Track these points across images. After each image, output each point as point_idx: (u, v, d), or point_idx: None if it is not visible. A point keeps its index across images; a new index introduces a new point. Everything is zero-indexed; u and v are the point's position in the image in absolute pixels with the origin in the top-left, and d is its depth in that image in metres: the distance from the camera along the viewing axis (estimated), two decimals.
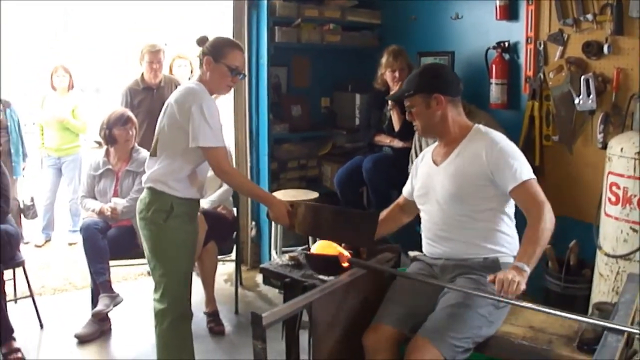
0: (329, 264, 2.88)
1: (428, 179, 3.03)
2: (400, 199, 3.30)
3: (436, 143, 3.11)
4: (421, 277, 2.81)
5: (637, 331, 2.09)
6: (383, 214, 3.27)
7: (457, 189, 2.86)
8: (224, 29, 5.38)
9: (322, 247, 2.98)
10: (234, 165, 5.02)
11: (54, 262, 6.00)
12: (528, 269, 2.45)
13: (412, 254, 3.28)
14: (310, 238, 4.36)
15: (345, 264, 2.85)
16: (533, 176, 2.76)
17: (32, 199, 5.05)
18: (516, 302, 2.44)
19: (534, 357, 2.49)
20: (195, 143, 3.11)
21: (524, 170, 2.76)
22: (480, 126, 3.00)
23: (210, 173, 4.43)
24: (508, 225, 2.89)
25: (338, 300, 2.69)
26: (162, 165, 3.24)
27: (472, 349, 2.58)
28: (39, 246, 6.46)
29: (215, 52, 3.27)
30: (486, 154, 2.80)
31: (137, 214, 3.34)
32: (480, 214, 2.83)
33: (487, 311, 2.62)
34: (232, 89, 4.85)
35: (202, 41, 3.33)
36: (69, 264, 5.97)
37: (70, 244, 6.61)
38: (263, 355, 2.26)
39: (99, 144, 6.81)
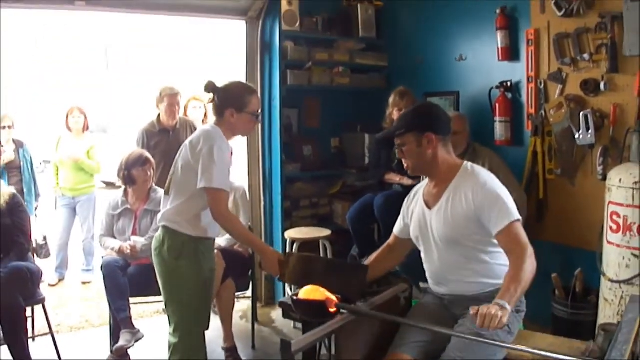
0: (316, 310, 2.78)
1: (422, 221, 3.02)
2: (391, 239, 3.27)
3: (426, 181, 3.11)
4: (422, 325, 2.67)
5: None
6: (372, 257, 3.25)
7: (451, 233, 2.87)
8: (237, 71, 5.54)
9: (308, 291, 2.84)
10: (249, 206, 5.12)
11: (69, 301, 6.03)
12: (509, 307, 2.40)
13: (423, 285, 3.31)
14: None
15: (333, 309, 2.74)
16: (517, 217, 2.73)
17: (44, 238, 5.04)
18: (512, 346, 2.53)
19: None
20: (201, 184, 3.20)
21: (507, 213, 2.73)
22: (469, 165, 2.97)
23: None
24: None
25: (359, 327, 2.75)
26: (175, 205, 3.33)
27: None
28: (53, 285, 6.49)
29: (238, 102, 3.37)
30: (473, 196, 2.79)
31: (153, 251, 3.44)
32: (478, 253, 2.84)
33: (500, 338, 2.68)
34: None
35: (209, 87, 3.41)
36: (83, 302, 6.03)
37: (83, 283, 6.65)
38: None
39: (107, 184, 6.94)
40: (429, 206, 2.98)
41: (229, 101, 3.37)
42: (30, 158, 6.24)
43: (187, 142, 3.39)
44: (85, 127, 6.62)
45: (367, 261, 3.21)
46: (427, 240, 3.00)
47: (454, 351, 2.63)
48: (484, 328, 2.33)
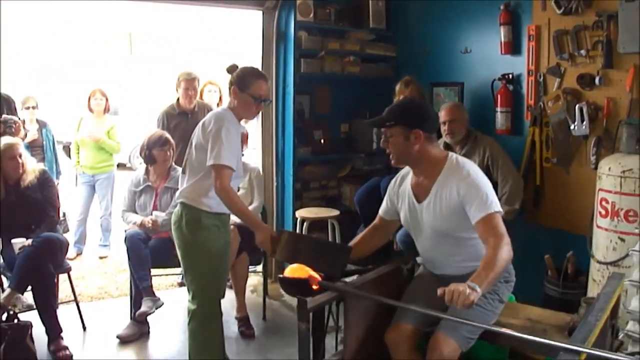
0: (300, 287, 2.88)
1: (413, 213, 3.11)
2: (376, 220, 3.35)
3: (410, 171, 3.17)
4: (414, 306, 2.76)
5: (588, 351, 2.21)
6: (357, 237, 3.35)
7: (442, 226, 2.97)
8: (253, 59, 5.70)
9: (293, 270, 2.97)
10: (263, 186, 5.29)
11: (87, 274, 6.26)
12: (479, 290, 2.48)
13: (420, 260, 3.42)
14: None
15: (316, 287, 2.85)
16: (497, 209, 2.82)
17: (64, 214, 5.24)
18: (506, 331, 2.67)
19: (529, 343, 2.68)
20: (209, 162, 3.36)
21: (486, 205, 2.81)
22: (454, 157, 3.05)
23: (242, 192, 4.83)
24: None
25: (367, 291, 2.97)
26: (190, 183, 3.53)
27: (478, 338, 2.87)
28: (71, 259, 6.55)
29: (241, 82, 3.52)
30: (457, 188, 2.88)
31: (172, 225, 3.65)
32: (468, 240, 2.95)
33: (493, 307, 2.95)
34: (260, 114, 5.25)
35: (232, 69, 3.60)
36: (101, 275, 6.27)
37: (100, 258, 6.86)
38: (307, 334, 2.66)
39: (118, 165, 7.16)
40: (418, 200, 3.07)
41: (235, 79, 3.54)
42: (53, 137, 6.44)
43: (200, 123, 3.57)
44: (107, 109, 6.82)
45: (353, 241, 3.32)
46: (418, 232, 3.13)
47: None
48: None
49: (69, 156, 7.13)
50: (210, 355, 3.68)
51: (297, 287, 2.90)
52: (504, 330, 2.70)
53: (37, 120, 6.34)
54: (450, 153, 3.08)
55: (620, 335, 3.54)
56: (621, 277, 2.97)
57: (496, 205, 2.84)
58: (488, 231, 2.75)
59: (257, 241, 3.40)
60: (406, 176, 3.22)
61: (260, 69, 5.59)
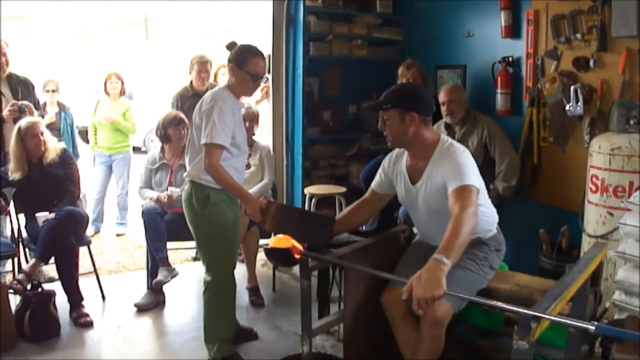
0: (284, 257, 2.99)
1: (408, 193, 3.23)
2: (367, 194, 3.46)
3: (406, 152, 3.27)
4: (396, 277, 2.90)
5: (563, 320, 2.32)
6: (345, 210, 3.48)
7: (435, 205, 3.08)
8: (264, 43, 5.83)
9: (278, 240, 3.04)
10: (273, 164, 5.47)
11: (105, 250, 6.49)
12: (448, 262, 2.56)
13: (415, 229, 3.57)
14: None
15: (297, 256, 2.96)
16: (468, 182, 2.89)
17: (83, 195, 5.34)
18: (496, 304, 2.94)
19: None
20: (202, 141, 3.46)
21: (460, 177, 2.90)
22: (444, 139, 3.16)
23: (253, 169, 5.02)
24: (484, 207, 3.08)
25: (364, 257, 3.14)
26: (195, 162, 3.64)
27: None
28: (90, 237, 6.90)
29: (239, 59, 3.58)
30: (441, 168, 3.01)
31: (183, 202, 3.80)
32: None
33: (483, 272, 3.13)
34: (271, 96, 5.44)
35: (231, 46, 3.64)
36: (119, 251, 6.51)
37: (117, 235, 7.10)
38: (308, 289, 2.90)
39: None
40: (413, 181, 3.19)
41: (233, 57, 3.60)
42: (72, 120, 6.63)
43: (198, 104, 3.64)
44: (122, 92, 7.00)
45: (341, 214, 3.47)
46: (415, 210, 3.28)
47: None
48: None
49: (86, 141, 7.30)
50: (224, 322, 3.87)
51: (281, 256, 3.05)
52: (481, 299, 2.88)
53: (58, 103, 6.53)
54: (442, 136, 3.19)
55: (607, 304, 3.76)
56: (603, 246, 3.13)
57: (470, 180, 2.92)
58: (456, 200, 2.85)
59: (247, 212, 3.52)
60: (401, 156, 3.33)
61: (271, 52, 5.81)
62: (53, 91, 6.49)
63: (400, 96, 3.14)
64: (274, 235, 3.22)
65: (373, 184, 3.46)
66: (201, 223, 3.73)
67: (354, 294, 3.19)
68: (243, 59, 3.59)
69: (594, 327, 2.07)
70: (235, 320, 4.15)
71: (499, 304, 2.40)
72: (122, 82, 6.99)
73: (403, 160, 3.30)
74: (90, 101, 7.30)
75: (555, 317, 2.22)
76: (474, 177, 2.98)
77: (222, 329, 3.87)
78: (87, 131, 7.17)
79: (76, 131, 6.85)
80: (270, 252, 3.12)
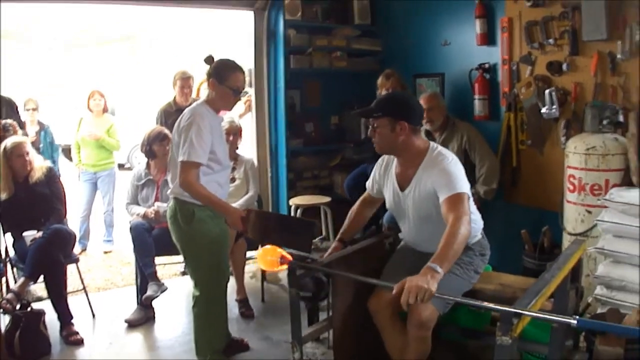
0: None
1: (397, 200, 3.29)
2: (366, 195, 3.58)
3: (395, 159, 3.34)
4: (383, 283, 2.99)
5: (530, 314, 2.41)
6: (350, 216, 3.57)
7: (423, 212, 3.16)
8: (246, 57, 5.94)
9: (266, 252, 3.11)
10: (258, 176, 5.46)
11: (93, 268, 6.45)
12: (441, 271, 2.63)
13: (402, 235, 3.59)
14: None
15: (286, 266, 3.02)
16: (461, 190, 2.96)
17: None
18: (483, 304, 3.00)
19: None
20: (179, 158, 3.50)
21: (452, 186, 2.96)
22: (434, 146, 3.21)
23: (238, 182, 5.07)
24: (472, 214, 3.08)
25: (350, 264, 3.22)
26: (176, 180, 3.61)
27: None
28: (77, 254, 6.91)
29: (219, 75, 3.59)
30: (431, 176, 3.07)
31: (168, 219, 3.82)
32: (443, 223, 2.97)
33: (468, 276, 3.21)
34: (254, 109, 5.50)
35: (209, 60, 3.66)
36: (106, 268, 6.48)
37: (105, 252, 7.05)
38: (297, 297, 2.96)
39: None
40: (402, 188, 3.25)
41: (213, 72, 3.62)
42: (52, 139, 6.61)
43: (177, 120, 3.66)
44: (105, 109, 6.98)
45: (348, 220, 3.56)
46: (402, 216, 3.34)
47: None
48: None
49: (68, 158, 7.29)
50: (214, 335, 3.91)
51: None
52: (464, 300, 2.97)
53: (38, 122, 6.52)
54: (432, 144, 3.24)
55: (589, 299, 3.86)
56: (581, 243, 3.22)
57: (462, 188, 2.99)
58: (450, 208, 2.91)
59: (228, 223, 3.60)
60: (391, 163, 3.38)
61: (252, 65, 5.88)
62: (33, 110, 6.47)
63: (391, 105, 3.20)
64: (261, 246, 3.26)
65: (367, 187, 3.57)
66: (187, 239, 3.77)
67: (341, 301, 3.25)
68: (223, 74, 3.62)
69: (576, 321, 2.17)
70: (227, 332, 4.19)
71: (481, 303, 2.51)
72: (105, 99, 6.97)
73: (392, 166, 3.36)
74: (73, 119, 7.26)
75: (536, 312, 2.31)
76: (464, 184, 3.05)
77: (212, 342, 3.91)
78: (70, 149, 7.16)
79: (59, 149, 6.84)
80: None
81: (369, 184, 3.57)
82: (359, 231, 3.74)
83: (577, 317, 2.18)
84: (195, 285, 3.83)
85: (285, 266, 3.02)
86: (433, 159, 3.15)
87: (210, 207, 3.63)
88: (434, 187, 3.05)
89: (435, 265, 2.65)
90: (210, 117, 3.62)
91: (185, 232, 3.72)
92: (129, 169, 12.09)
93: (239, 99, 3.88)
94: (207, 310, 3.84)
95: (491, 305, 2.40)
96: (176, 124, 3.67)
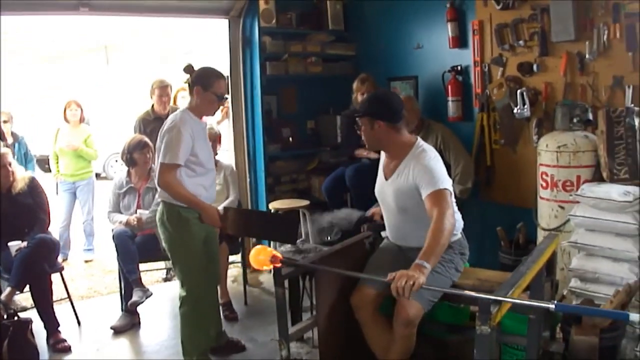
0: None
1: (381, 189, 3.47)
2: None
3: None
4: (369, 276, 3.18)
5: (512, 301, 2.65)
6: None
7: (401, 202, 3.31)
8: (222, 65, 5.92)
9: (258, 251, 3.13)
10: (237, 181, 5.56)
11: (75, 277, 6.49)
12: (428, 266, 2.76)
13: (384, 234, 3.74)
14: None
15: (278, 265, 3.08)
16: (443, 186, 3.09)
17: None
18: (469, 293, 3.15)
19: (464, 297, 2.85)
20: (157, 160, 3.71)
21: (434, 182, 3.09)
22: (420, 143, 3.36)
23: (218, 188, 5.14)
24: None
25: (333, 262, 3.27)
26: None
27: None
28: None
29: (204, 82, 3.76)
30: (413, 171, 3.20)
31: (157, 222, 3.97)
32: (423, 217, 3.14)
33: (450, 274, 3.30)
34: (231, 116, 5.57)
35: (188, 69, 3.82)
36: (88, 277, 6.53)
37: (86, 261, 7.11)
38: (283, 296, 3.05)
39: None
40: (386, 177, 3.43)
41: (197, 80, 3.77)
42: (26, 151, 6.57)
43: (161, 128, 3.82)
44: (82, 119, 7.02)
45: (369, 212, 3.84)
46: (385, 206, 3.49)
47: None
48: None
49: (44, 169, 7.27)
50: (201, 335, 4.00)
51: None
52: (451, 290, 3.14)
53: (12, 134, 6.50)
54: (419, 140, 3.39)
55: (565, 292, 3.99)
56: (554, 237, 3.35)
57: (444, 184, 3.12)
58: (434, 204, 3.04)
59: (203, 219, 3.75)
60: (383, 157, 3.57)
61: (229, 73, 5.95)
62: (5, 122, 6.41)
63: (370, 105, 3.39)
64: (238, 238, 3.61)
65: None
66: (173, 240, 3.88)
67: (325, 298, 3.34)
68: (208, 81, 3.78)
69: (553, 306, 2.29)
70: (222, 332, 4.38)
71: (464, 292, 2.65)
72: (82, 110, 7.01)
73: (382, 159, 3.55)
74: (47, 130, 7.30)
75: (516, 299, 2.44)
76: (446, 181, 3.18)
77: (199, 342, 3.99)
78: (46, 159, 7.16)
79: (34, 159, 6.79)
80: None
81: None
82: None
83: (555, 302, 2.30)
84: (182, 285, 3.95)
85: (278, 264, 3.09)
86: (417, 155, 3.27)
87: (194, 210, 3.77)
88: (416, 183, 3.19)
89: (422, 262, 2.77)
90: (192, 122, 3.76)
91: (172, 233, 3.85)
92: (105, 178, 12.11)
93: (222, 104, 4.09)
94: (193, 310, 3.94)
95: (473, 293, 2.50)
96: (160, 131, 3.80)
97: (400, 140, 3.35)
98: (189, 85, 3.87)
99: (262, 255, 3.08)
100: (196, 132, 3.77)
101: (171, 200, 3.78)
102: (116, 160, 13.25)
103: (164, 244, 3.99)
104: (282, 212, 5.44)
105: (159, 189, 3.88)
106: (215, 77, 3.82)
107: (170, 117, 3.82)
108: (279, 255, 3.09)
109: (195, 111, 3.83)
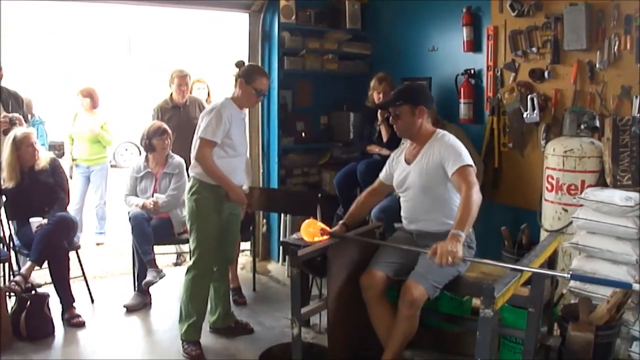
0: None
1: (403, 174, 3.65)
2: (376, 184, 3.90)
3: (407, 144, 3.76)
4: (394, 243, 3.59)
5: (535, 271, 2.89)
6: (358, 202, 3.87)
7: (425, 181, 3.51)
8: (240, 58, 6.04)
9: (308, 224, 3.56)
10: (251, 172, 5.67)
11: (87, 259, 6.38)
12: (462, 234, 2.99)
13: (397, 225, 3.98)
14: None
15: (326, 237, 3.49)
16: (468, 162, 3.35)
17: None
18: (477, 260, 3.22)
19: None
20: (197, 135, 4.02)
21: (460, 159, 3.36)
22: (440, 131, 3.64)
23: None
24: None
25: (345, 248, 3.52)
26: (194, 161, 4.11)
27: (442, 288, 3.38)
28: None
29: (248, 76, 4.11)
30: (439, 150, 3.47)
31: (186, 194, 4.28)
32: (446, 200, 3.50)
33: (457, 264, 3.37)
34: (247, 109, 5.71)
35: (239, 64, 4.19)
36: (100, 258, 6.70)
37: (97, 244, 7.27)
38: (298, 277, 3.23)
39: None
40: (408, 163, 3.64)
41: (243, 73, 4.12)
42: (46, 134, 6.79)
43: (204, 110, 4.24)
44: (96, 105, 7.07)
45: (355, 205, 3.85)
46: (406, 189, 3.65)
47: (419, 269, 3.35)
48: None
49: (61, 154, 7.36)
50: (196, 306, 4.27)
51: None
52: (476, 259, 3.39)
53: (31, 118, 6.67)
54: (438, 129, 3.68)
55: (564, 291, 4.12)
56: (557, 235, 3.51)
57: (469, 160, 3.38)
58: (461, 180, 3.29)
59: (231, 197, 4.09)
60: (403, 151, 3.79)
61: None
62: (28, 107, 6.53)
63: (410, 93, 3.66)
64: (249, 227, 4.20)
65: (381, 176, 3.91)
66: (196, 211, 4.17)
67: (336, 281, 3.50)
68: (252, 76, 4.13)
69: (569, 275, 2.61)
70: (232, 314, 4.64)
71: (482, 259, 3.07)
72: (95, 97, 7.08)
73: (403, 152, 3.77)
74: (64, 116, 7.40)
75: (534, 268, 2.74)
76: (469, 158, 3.43)
77: (192, 313, 4.26)
78: (57, 145, 7.33)
79: (47, 143, 6.90)
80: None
81: (382, 173, 3.90)
82: (363, 217, 4.13)
83: (570, 271, 2.49)
84: (192, 255, 4.26)
85: (325, 236, 3.48)
86: (439, 138, 3.59)
87: (213, 188, 4.10)
88: (441, 160, 3.45)
89: (457, 232, 3.00)
90: (231, 108, 4.11)
91: (191, 205, 4.18)
92: (115, 166, 12.24)
93: (261, 100, 4.42)
94: (197, 280, 4.23)
95: (492, 262, 2.95)
96: (201, 114, 4.18)
97: (428, 128, 3.66)
98: (235, 77, 4.17)
99: (312, 227, 3.50)
100: (234, 117, 4.10)
101: (202, 177, 4.09)
102: (126, 149, 13.54)
103: (187, 214, 4.26)
104: (302, 191, 5.77)
105: (192, 163, 4.15)
106: (258, 75, 4.17)
107: (217, 102, 4.13)
108: (327, 228, 3.50)
109: (236, 101, 4.16)
